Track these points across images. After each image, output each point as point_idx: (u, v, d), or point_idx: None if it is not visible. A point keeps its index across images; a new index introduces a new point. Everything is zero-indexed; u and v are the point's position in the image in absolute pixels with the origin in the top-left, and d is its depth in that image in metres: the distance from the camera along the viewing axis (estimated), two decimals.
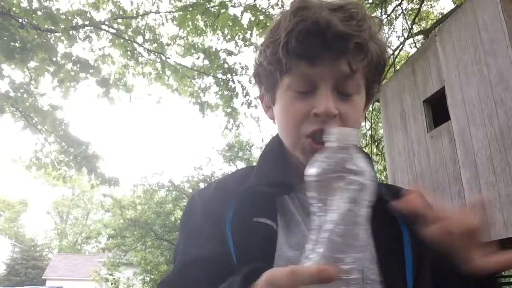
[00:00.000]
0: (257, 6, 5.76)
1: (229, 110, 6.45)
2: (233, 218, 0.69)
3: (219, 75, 6.41)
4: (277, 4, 6.01)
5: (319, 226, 0.46)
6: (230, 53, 6.33)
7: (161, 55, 6.38)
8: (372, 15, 0.73)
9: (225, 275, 0.62)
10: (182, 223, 0.78)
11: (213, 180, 0.93)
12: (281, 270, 0.42)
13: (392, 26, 7.72)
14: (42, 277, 25.43)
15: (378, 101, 5.78)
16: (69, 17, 5.18)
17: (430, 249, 0.60)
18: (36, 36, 4.85)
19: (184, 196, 13.23)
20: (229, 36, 6.23)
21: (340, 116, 0.68)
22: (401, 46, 7.52)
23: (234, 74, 6.35)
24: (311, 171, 0.48)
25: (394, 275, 0.67)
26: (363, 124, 7.58)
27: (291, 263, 0.64)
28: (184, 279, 0.67)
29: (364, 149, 7.92)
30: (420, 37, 7.79)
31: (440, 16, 7.77)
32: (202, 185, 12.33)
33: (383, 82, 5.86)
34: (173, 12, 6.27)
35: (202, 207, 0.75)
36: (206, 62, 6.44)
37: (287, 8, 0.73)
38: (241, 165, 13.11)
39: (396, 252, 0.69)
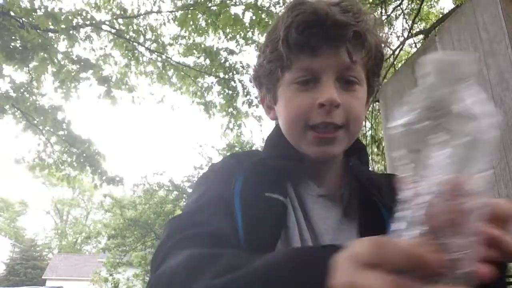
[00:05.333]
0: (259, 4, 5.77)
1: (230, 109, 6.46)
2: (242, 191, 0.67)
3: (221, 74, 6.42)
4: (278, 3, 6.01)
5: (412, 197, 0.34)
6: (231, 52, 6.34)
7: (162, 55, 6.39)
8: (369, 12, 0.74)
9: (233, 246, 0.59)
10: (197, 186, 0.75)
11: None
12: (365, 243, 0.34)
13: (392, 26, 7.72)
14: (42, 277, 25.43)
15: (378, 101, 5.78)
16: (70, 17, 5.19)
17: None
18: (36, 36, 4.85)
19: (184, 196, 13.22)
20: (230, 35, 6.24)
21: (344, 106, 0.68)
22: (401, 46, 7.52)
23: (235, 73, 6.36)
24: (398, 120, 0.35)
25: None
26: (363, 124, 7.59)
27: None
28: (199, 218, 0.63)
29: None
30: (420, 37, 7.79)
31: (440, 16, 7.77)
32: None
33: (383, 82, 5.86)
34: (174, 11, 6.27)
35: (216, 176, 0.73)
36: (207, 61, 6.45)
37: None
38: None
39: None
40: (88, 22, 5.61)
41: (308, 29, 0.66)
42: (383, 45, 0.75)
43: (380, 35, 0.74)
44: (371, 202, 0.72)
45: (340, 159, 0.78)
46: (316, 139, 0.68)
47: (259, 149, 0.85)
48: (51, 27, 4.98)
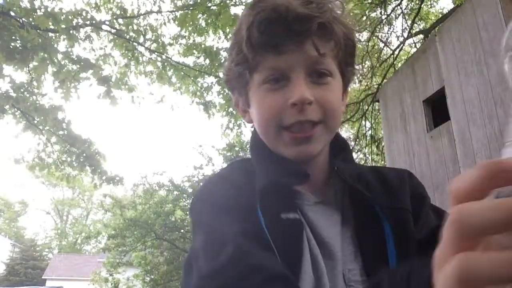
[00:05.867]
0: None
1: (230, 109, 6.47)
2: (263, 216, 0.62)
3: (220, 74, 6.44)
4: None
5: None
6: None
7: (162, 55, 6.40)
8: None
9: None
10: (203, 225, 0.66)
11: (206, 182, 0.75)
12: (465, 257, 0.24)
13: (392, 26, 7.73)
14: (42, 277, 25.42)
15: (378, 101, 5.79)
16: (70, 17, 5.19)
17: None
18: (36, 36, 4.85)
19: (184, 195, 13.22)
20: (230, 35, 6.25)
21: (317, 101, 0.65)
22: (401, 46, 7.53)
23: None
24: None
25: (377, 272, 0.61)
26: (363, 123, 7.58)
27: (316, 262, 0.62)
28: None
29: (364, 149, 7.93)
30: (420, 37, 7.80)
31: (440, 16, 7.77)
32: None
33: (383, 82, 5.86)
34: (175, 11, 6.28)
35: (219, 206, 0.65)
36: (207, 61, 6.47)
37: None
38: None
39: (378, 248, 0.65)
40: (88, 22, 5.61)
41: (269, 26, 0.63)
42: (352, 32, 0.71)
43: (350, 22, 0.70)
44: (362, 201, 0.69)
45: (326, 161, 0.74)
46: (292, 139, 0.66)
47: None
48: (51, 27, 4.98)
